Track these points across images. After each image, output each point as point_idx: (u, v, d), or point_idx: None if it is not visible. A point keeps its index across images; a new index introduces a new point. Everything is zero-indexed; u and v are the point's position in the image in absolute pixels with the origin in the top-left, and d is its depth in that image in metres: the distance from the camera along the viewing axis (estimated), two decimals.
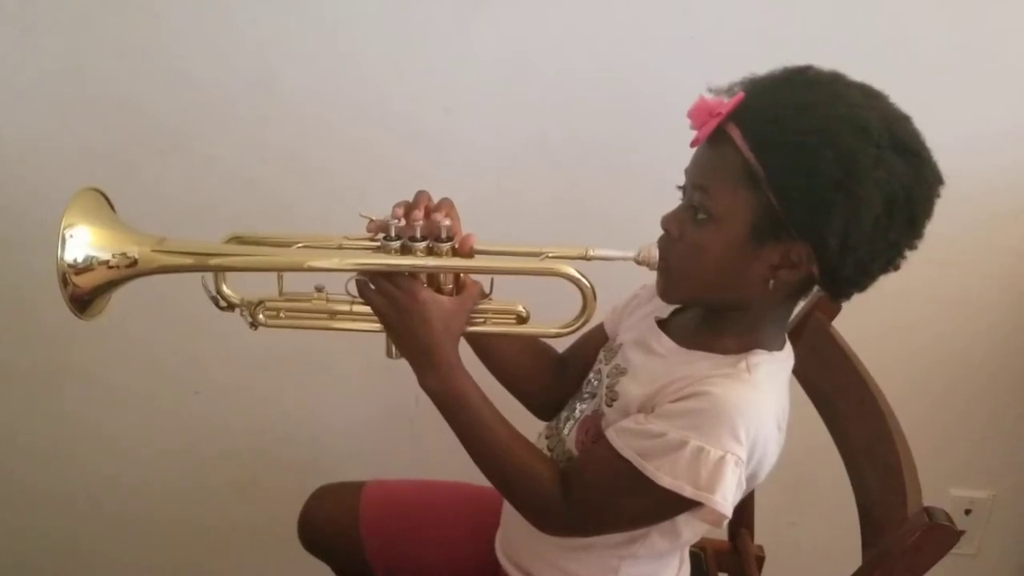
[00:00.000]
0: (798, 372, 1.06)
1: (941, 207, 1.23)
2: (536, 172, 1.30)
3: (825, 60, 0.78)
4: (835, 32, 1.16)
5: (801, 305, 1.05)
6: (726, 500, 0.76)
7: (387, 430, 1.42)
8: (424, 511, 1.10)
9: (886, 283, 1.30)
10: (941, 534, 0.72)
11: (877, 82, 0.77)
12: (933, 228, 1.26)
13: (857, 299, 1.04)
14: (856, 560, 0.82)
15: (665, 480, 0.76)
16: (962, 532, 0.72)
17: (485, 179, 1.30)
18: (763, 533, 1.20)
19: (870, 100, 0.75)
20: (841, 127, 0.71)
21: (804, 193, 0.73)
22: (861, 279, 0.79)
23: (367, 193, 1.33)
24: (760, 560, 1.17)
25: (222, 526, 1.58)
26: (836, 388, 1.00)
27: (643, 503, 0.80)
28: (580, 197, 1.30)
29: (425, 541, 1.08)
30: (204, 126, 1.28)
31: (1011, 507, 1.54)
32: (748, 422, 0.76)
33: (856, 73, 0.77)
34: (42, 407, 1.48)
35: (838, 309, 1.05)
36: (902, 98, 0.76)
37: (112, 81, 1.25)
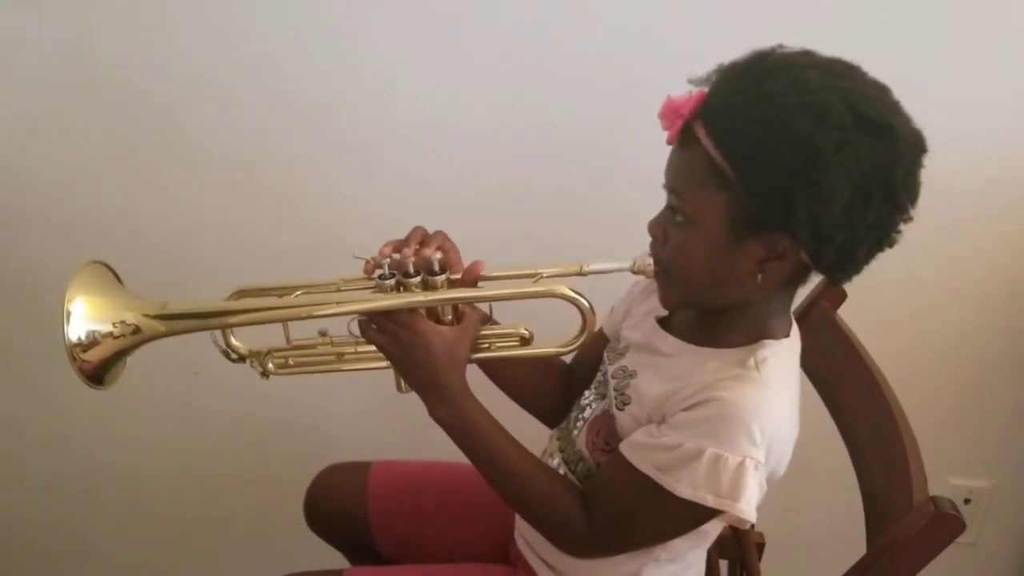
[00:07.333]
0: (803, 360, 1.06)
1: (943, 200, 1.23)
2: (541, 159, 1.29)
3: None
4: (835, 25, 1.14)
5: (806, 291, 1.06)
6: (750, 506, 0.75)
7: (392, 414, 1.41)
8: (432, 490, 1.10)
9: (890, 273, 1.30)
10: (947, 523, 0.72)
11: (878, 76, 0.75)
12: (936, 219, 1.27)
13: (861, 289, 1.04)
14: (855, 547, 0.82)
15: (686, 491, 0.75)
16: None
17: (490, 164, 1.30)
18: (763, 520, 1.19)
19: (832, 81, 0.71)
20: (798, 116, 0.69)
21: (769, 188, 0.71)
22: (849, 264, 0.76)
23: (370, 179, 1.32)
24: (760, 547, 1.17)
25: (223, 512, 1.58)
26: (841, 376, 1.00)
27: (665, 517, 0.79)
28: (585, 185, 1.30)
29: (433, 520, 1.08)
30: (204, 110, 1.27)
31: (1010, 497, 1.55)
32: (763, 423, 0.74)
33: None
34: (40, 391, 1.47)
35: (843, 297, 1.05)
36: (903, 94, 0.74)
37: (112, 62, 1.24)
